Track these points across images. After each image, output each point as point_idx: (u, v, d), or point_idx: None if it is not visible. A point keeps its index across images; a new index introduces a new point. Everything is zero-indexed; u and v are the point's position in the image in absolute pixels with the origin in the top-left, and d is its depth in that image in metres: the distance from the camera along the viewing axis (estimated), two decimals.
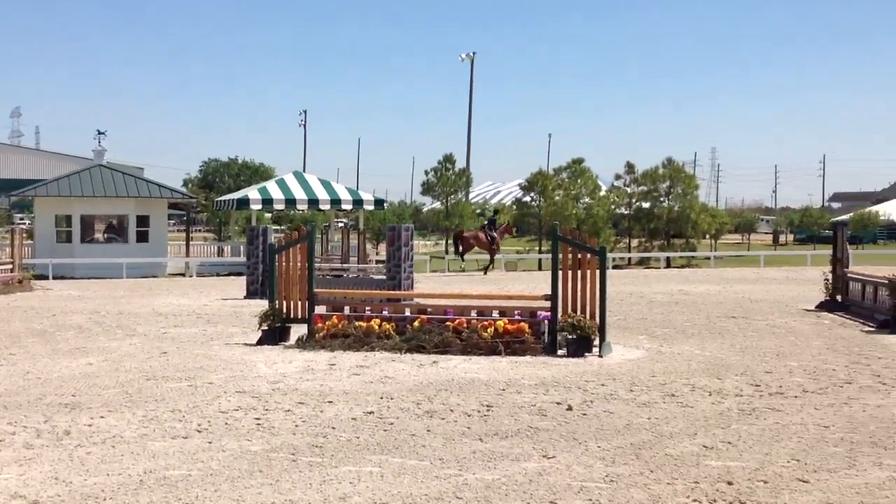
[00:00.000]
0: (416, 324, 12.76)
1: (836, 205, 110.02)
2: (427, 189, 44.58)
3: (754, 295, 22.56)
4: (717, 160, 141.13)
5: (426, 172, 44.21)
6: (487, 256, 34.37)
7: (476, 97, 64.09)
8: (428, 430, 7.77)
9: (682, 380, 10.25)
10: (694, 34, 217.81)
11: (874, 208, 69.93)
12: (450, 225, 42.47)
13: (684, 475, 6.34)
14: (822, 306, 18.57)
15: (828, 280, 18.92)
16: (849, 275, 18.41)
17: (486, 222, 36.54)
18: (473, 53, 60.82)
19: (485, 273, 33.30)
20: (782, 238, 68.37)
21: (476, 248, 34.53)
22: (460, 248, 34.05)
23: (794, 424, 7.93)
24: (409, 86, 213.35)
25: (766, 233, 73.86)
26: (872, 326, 15.25)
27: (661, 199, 43.08)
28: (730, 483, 6.13)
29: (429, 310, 13.29)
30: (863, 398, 9.12)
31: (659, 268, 38.55)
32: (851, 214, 64.49)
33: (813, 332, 14.81)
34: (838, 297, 18.48)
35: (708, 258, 41.89)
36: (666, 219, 42.46)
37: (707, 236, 45.44)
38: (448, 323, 12.62)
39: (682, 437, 7.51)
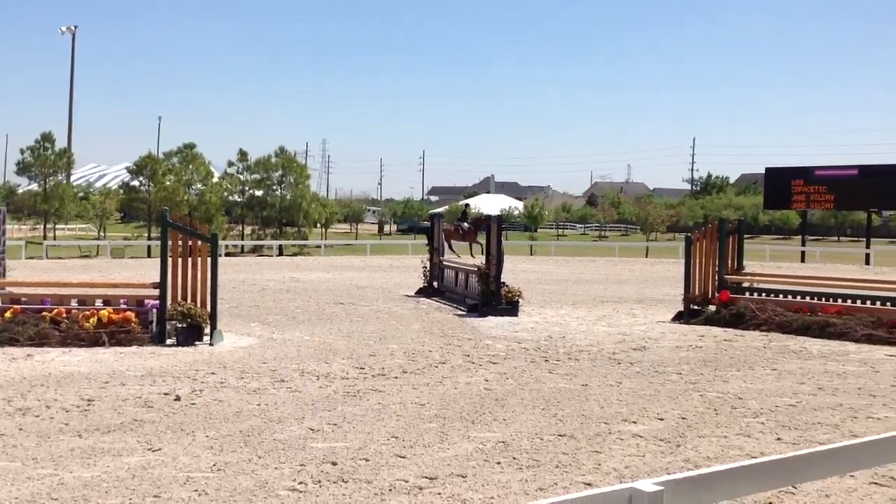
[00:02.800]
0: (7, 314, 11.74)
1: (434, 198, 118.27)
2: (23, 169, 41.14)
3: (361, 282, 23.59)
4: (327, 151, 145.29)
5: (22, 151, 40.78)
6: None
7: (80, 74, 60.04)
8: (20, 429, 7.20)
9: (293, 365, 10.48)
10: (310, 32, 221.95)
11: (466, 201, 76.18)
12: (48, 208, 39.40)
13: (291, 458, 6.50)
14: (421, 292, 19.91)
15: (426, 268, 20.33)
16: (444, 263, 19.91)
17: (459, 216, 40.74)
18: (75, 27, 56.93)
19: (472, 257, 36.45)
20: (387, 228, 72.05)
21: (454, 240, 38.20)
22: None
23: (394, 404, 8.44)
24: (2, 58, 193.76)
25: (373, 223, 77.34)
26: (464, 310, 16.64)
27: (274, 187, 43.46)
28: (334, 463, 6.39)
29: (23, 299, 12.30)
30: (454, 377, 9.95)
31: (272, 256, 38.86)
32: (447, 207, 69.66)
33: (413, 316, 15.83)
34: (435, 284, 19.92)
35: (319, 246, 43.03)
36: (279, 207, 42.91)
37: (318, 225, 46.65)
38: (45, 313, 11.77)
39: (291, 421, 7.69)
